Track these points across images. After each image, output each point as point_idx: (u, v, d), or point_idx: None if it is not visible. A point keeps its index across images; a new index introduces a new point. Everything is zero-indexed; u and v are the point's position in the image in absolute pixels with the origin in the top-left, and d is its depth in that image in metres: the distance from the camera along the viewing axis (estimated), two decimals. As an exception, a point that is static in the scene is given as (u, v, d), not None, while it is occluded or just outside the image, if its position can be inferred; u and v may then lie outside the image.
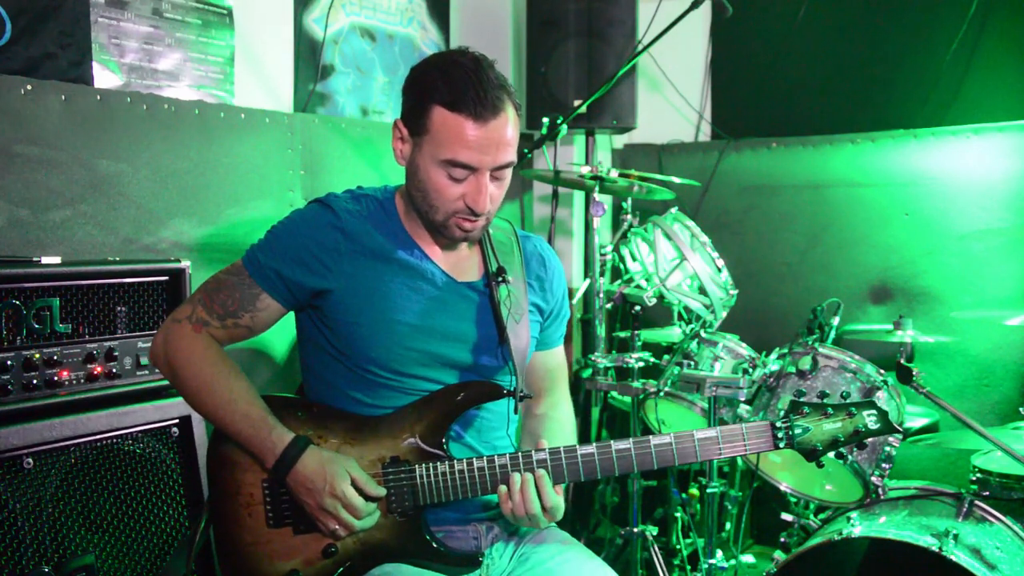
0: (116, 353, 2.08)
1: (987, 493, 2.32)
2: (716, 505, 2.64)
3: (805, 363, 2.44)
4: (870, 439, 1.76)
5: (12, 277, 1.90)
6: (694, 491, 3.29)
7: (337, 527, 1.68)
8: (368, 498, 1.69)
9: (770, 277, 3.84)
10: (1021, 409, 2.50)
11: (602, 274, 3.06)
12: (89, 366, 2.03)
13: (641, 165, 4.10)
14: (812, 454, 1.71)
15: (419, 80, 1.72)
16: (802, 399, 1.76)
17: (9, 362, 1.88)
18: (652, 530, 2.96)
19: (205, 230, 2.65)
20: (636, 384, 2.81)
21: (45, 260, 2.00)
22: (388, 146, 1.79)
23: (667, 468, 2.75)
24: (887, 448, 2.35)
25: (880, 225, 3.60)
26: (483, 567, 1.78)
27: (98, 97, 2.39)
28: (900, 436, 2.41)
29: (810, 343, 2.51)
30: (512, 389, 1.78)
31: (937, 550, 2.02)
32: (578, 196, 4.00)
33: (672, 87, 4.11)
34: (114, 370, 2.07)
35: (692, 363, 2.67)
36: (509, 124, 1.69)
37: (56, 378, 1.96)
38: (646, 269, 2.89)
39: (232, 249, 2.68)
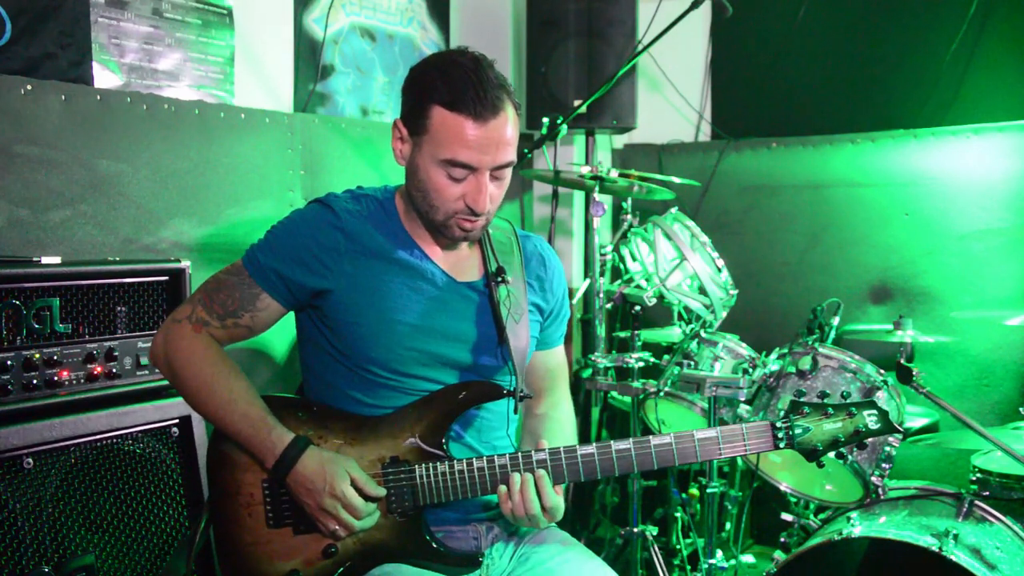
0: (116, 353, 2.08)
1: (987, 493, 2.32)
2: (716, 505, 2.63)
3: (805, 363, 2.44)
4: (870, 439, 1.76)
5: (12, 277, 1.90)
6: (694, 491, 3.29)
7: (337, 527, 1.68)
8: (368, 498, 1.69)
9: (770, 277, 3.84)
10: (1021, 409, 2.50)
11: (602, 274, 3.05)
12: (89, 366, 2.03)
13: (641, 165, 4.09)
14: (812, 454, 1.71)
15: (419, 80, 1.72)
16: (802, 399, 1.76)
17: (9, 362, 1.88)
18: (652, 530, 2.96)
19: (205, 230, 2.65)
20: (636, 384, 2.81)
21: (45, 260, 2.00)
22: (388, 146, 1.78)
23: (667, 468, 2.76)
24: (887, 448, 2.35)
25: (880, 225, 3.60)
26: (483, 567, 1.78)
27: (98, 97, 2.39)
28: (900, 436, 2.41)
29: (810, 343, 2.51)
30: (512, 389, 1.78)
31: (937, 550, 2.02)
32: (578, 196, 4.00)
33: (672, 87, 4.11)
34: (114, 370, 2.07)
35: (692, 363, 2.67)
36: (509, 124, 1.69)
37: (56, 378, 1.96)
38: (646, 269, 2.89)
39: (232, 249, 2.68)
